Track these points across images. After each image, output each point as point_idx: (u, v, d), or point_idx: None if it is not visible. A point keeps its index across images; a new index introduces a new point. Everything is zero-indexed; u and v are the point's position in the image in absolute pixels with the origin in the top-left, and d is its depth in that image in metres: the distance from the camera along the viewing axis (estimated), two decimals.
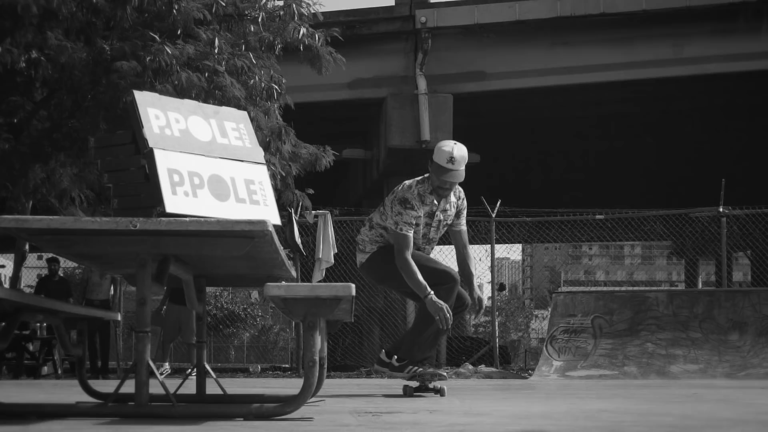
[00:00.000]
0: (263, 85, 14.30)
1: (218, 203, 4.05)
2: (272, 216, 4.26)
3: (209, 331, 41.55)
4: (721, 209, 16.79)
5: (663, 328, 15.40)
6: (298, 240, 16.86)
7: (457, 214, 7.61)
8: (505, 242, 25.61)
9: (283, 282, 4.49)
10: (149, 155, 3.96)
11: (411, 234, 7.15)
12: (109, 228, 3.83)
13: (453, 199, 7.50)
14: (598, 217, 18.11)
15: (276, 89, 14.48)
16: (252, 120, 14.24)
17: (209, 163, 4.14)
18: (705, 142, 25.91)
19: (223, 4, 14.33)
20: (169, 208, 3.90)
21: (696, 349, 15.13)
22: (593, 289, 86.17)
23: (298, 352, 17.87)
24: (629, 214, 18.68)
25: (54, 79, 14.32)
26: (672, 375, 14.73)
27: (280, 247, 4.38)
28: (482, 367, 16.44)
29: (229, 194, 4.12)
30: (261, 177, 4.33)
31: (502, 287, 34.21)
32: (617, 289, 20.52)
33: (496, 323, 18.64)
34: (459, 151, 7.25)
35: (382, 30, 21.53)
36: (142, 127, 4.08)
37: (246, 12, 14.73)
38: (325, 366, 5.43)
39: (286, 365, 28.98)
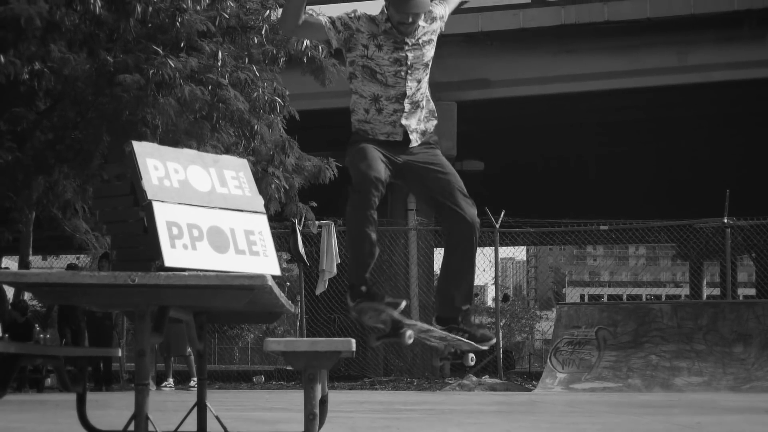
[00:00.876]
0: (267, 97, 14.27)
1: (217, 255, 4.03)
2: (272, 267, 4.24)
3: (213, 333, 41.56)
4: (725, 220, 16.75)
5: (667, 340, 15.39)
6: (301, 250, 16.85)
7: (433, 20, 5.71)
8: (509, 245, 25.61)
9: (283, 339, 4.47)
10: (148, 208, 3.94)
11: (323, 17, 5.60)
12: (108, 282, 3.82)
13: (422, 23, 5.59)
14: (602, 227, 18.08)
15: (279, 102, 14.45)
16: (255, 134, 14.39)
17: (208, 214, 4.13)
18: (709, 150, 25.85)
19: (227, 17, 14.30)
20: (168, 262, 3.88)
21: (700, 362, 15.11)
22: (597, 291, 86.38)
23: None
24: (633, 225, 18.66)
25: (57, 91, 14.30)
26: (676, 388, 14.71)
27: (280, 294, 4.36)
28: (486, 378, 16.40)
29: (229, 246, 4.10)
30: (261, 227, 4.31)
31: (506, 298, 34.26)
32: (621, 301, 20.52)
33: (500, 334, 18.58)
34: None
35: None
36: (141, 178, 4.05)
37: (249, 24, 14.69)
38: (327, 403, 5.41)
39: (290, 368, 28.99)
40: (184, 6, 13.67)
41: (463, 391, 15.50)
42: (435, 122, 5.86)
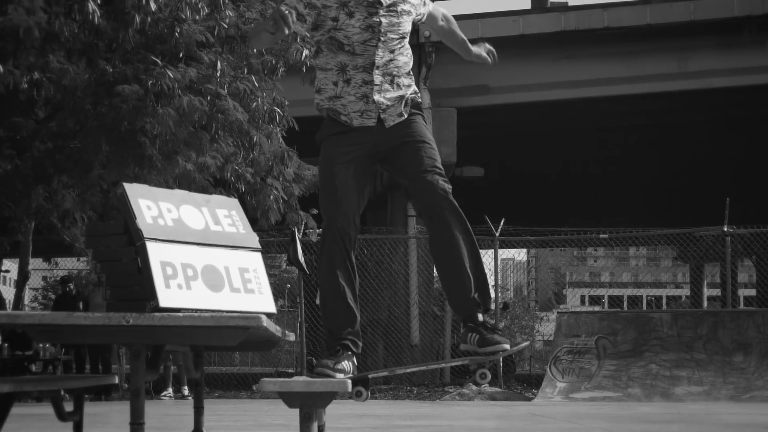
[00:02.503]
0: (266, 107, 14.26)
1: (212, 294, 4.02)
2: (267, 305, 4.23)
3: None
4: (725, 228, 16.74)
5: (667, 349, 15.38)
6: (301, 258, 16.76)
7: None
8: (510, 247, 25.60)
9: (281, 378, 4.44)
10: (142, 248, 3.92)
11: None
12: (102, 323, 3.80)
13: None
14: (602, 236, 18.07)
15: (279, 112, 14.43)
16: (254, 144, 14.38)
17: (203, 253, 4.11)
18: (709, 156, 25.84)
19: (225, 26, 14.27)
20: (163, 302, 3.86)
21: (700, 371, 15.09)
22: (598, 292, 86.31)
23: (302, 356, 17.82)
24: (633, 233, 18.65)
25: (57, 99, 14.29)
26: (676, 397, 14.70)
27: (276, 329, 4.34)
28: (486, 387, 16.37)
29: (224, 284, 4.08)
30: (255, 264, 4.29)
31: (506, 306, 34.19)
32: (621, 310, 20.39)
33: None
34: None
35: None
36: (135, 218, 4.02)
37: (248, 34, 14.65)
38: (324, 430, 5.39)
39: (291, 370, 28.96)
40: (183, 16, 13.65)
41: (462, 401, 15.48)
42: (414, 92, 5.12)
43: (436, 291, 22.58)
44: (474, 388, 16.19)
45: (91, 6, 13.21)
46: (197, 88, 13.66)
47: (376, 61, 4.98)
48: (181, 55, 13.88)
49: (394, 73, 5.04)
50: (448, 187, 4.93)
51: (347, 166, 4.96)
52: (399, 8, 5.07)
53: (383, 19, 4.98)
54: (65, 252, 22.27)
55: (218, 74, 13.77)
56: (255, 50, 14.56)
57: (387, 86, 5.01)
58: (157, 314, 3.81)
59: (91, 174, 14.69)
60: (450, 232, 4.91)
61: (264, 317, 3.82)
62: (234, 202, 4.59)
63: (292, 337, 5.22)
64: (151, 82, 13.16)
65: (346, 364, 4.73)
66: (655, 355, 15.39)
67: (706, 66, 20.65)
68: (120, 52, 14.03)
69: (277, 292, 60.26)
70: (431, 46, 20.79)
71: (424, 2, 5.32)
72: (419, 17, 5.32)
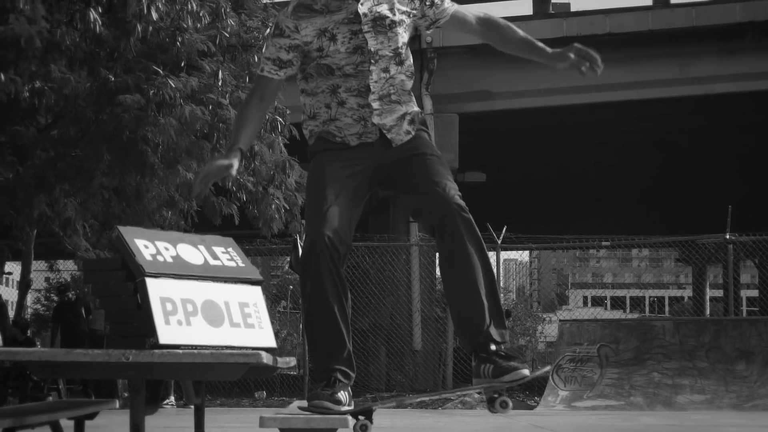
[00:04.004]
0: (267, 117, 14.24)
1: (212, 329, 4.01)
2: (267, 339, 4.22)
3: None
4: (727, 236, 16.73)
5: (669, 357, 15.36)
6: None
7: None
8: (512, 250, 25.58)
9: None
10: (141, 284, 3.91)
11: (270, 74, 4.56)
12: (101, 360, 3.79)
13: None
14: (604, 243, 18.07)
15: (280, 121, 14.43)
16: (256, 154, 14.37)
17: (203, 288, 4.10)
18: (711, 161, 25.82)
19: (227, 35, 14.27)
20: (163, 339, 3.85)
21: (703, 379, 15.08)
22: (601, 293, 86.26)
23: (304, 360, 17.80)
24: (635, 241, 18.65)
25: (58, 107, 14.28)
26: (678, 406, 14.68)
27: (276, 360, 4.33)
28: None
29: (224, 319, 4.07)
30: (255, 298, 4.28)
31: (507, 314, 34.22)
32: (623, 318, 20.45)
33: None
34: None
35: None
36: (135, 256, 4.02)
37: (250, 42, 14.66)
38: None
39: (294, 372, 28.93)
40: (185, 26, 13.65)
41: (465, 409, 15.47)
42: (417, 111, 4.66)
43: (439, 293, 22.57)
44: (476, 396, 16.16)
45: (93, 15, 13.23)
46: (199, 97, 13.67)
47: (371, 85, 4.49)
48: (182, 64, 13.88)
49: (392, 92, 4.54)
50: (463, 203, 4.37)
51: (341, 179, 4.48)
52: (387, 20, 4.50)
53: (369, 38, 4.46)
54: (68, 255, 22.31)
55: (220, 83, 13.78)
56: (256, 59, 14.55)
57: (386, 107, 4.53)
58: (156, 351, 3.80)
59: (92, 182, 14.68)
60: (465, 253, 4.32)
61: (264, 354, 3.81)
62: (229, 240, 4.57)
63: (293, 362, 5.20)
64: (152, 91, 13.17)
65: (342, 395, 4.20)
66: (657, 363, 15.36)
67: (709, 72, 20.63)
68: (121, 60, 14.02)
69: (280, 294, 60.23)
70: (433, 52, 20.79)
71: (432, 2, 4.68)
72: (426, 21, 4.72)
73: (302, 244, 14.22)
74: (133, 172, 14.26)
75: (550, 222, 29.81)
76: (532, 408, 15.40)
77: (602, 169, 27.23)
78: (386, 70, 4.51)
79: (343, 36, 4.45)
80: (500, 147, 24.71)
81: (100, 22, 13.31)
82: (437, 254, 4.67)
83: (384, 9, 4.51)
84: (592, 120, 22.97)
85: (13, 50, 13.34)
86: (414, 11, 4.64)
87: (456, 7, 4.77)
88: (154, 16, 13.32)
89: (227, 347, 4.01)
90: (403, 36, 4.55)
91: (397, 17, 4.53)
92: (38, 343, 17.62)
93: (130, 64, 13.98)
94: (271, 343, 4.22)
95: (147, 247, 4.10)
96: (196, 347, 3.92)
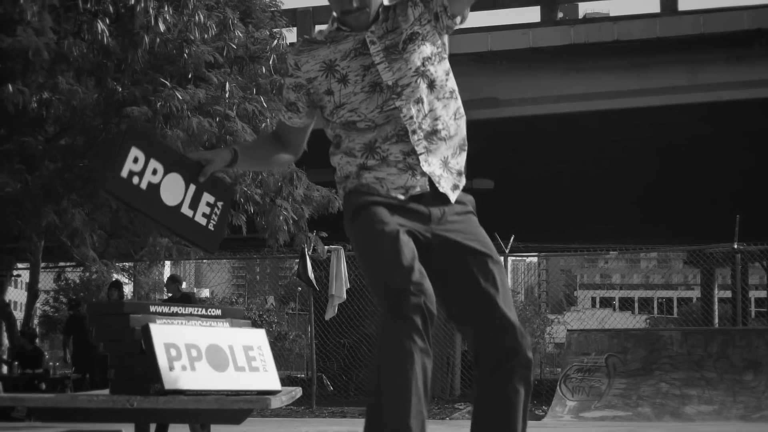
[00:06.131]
0: (274, 128, 14.24)
1: (217, 374, 4.01)
2: (272, 382, 4.23)
3: None
4: (735, 246, 16.72)
5: (677, 368, 15.33)
6: (311, 275, 16.84)
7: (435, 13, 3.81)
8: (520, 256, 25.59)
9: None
10: (145, 330, 3.91)
11: (285, 119, 3.99)
12: (107, 407, 3.80)
13: (399, 8, 3.81)
14: (611, 252, 18.05)
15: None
16: None
17: (207, 332, 4.10)
18: (720, 167, 25.76)
19: (234, 47, 14.30)
20: (167, 385, 3.85)
21: (710, 390, 15.05)
22: (609, 294, 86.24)
23: (312, 361, 17.79)
24: (643, 252, 18.62)
25: (66, 118, 14.31)
26: (686, 417, 14.65)
27: (282, 399, 4.34)
28: None
29: (228, 363, 4.07)
30: (260, 341, 4.29)
31: None
32: (631, 328, 20.42)
33: None
34: None
35: None
36: (112, 163, 3.63)
37: (257, 54, 14.67)
38: None
39: (302, 374, 28.97)
40: (192, 37, 13.67)
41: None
42: (465, 154, 3.92)
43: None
44: None
45: (101, 26, 13.27)
46: (206, 109, 13.69)
47: (408, 125, 3.72)
48: (189, 75, 13.92)
49: (433, 125, 3.76)
50: (531, 355, 3.57)
51: (401, 227, 3.59)
52: (402, 36, 3.76)
53: (383, 71, 3.73)
54: (77, 263, 22.35)
55: (227, 95, 13.79)
56: (264, 70, 14.58)
57: (434, 145, 3.75)
58: (161, 397, 3.81)
59: (100, 193, 14.70)
60: (513, 395, 3.57)
61: (270, 399, 3.82)
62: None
63: (299, 393, 5.20)
64: (159, 103, 13.19)
65: None
66: (665, 373, 15.34)
67: (716, 79, 20.57)
68: (129, 72, 14.05)
69: (288, 295, 60.21)
70: None
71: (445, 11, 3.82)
72: (450, 22, 3.83)
73: (310, 253, 14.11)
74: None
75: (559, 227, 29.78)
76: (540, 418, 15.39)
77: (609, 175, 27.16)
78: (419, 101, 3.74)
79: (356, 75, 3.76)
80: (508, 154, 24.67)
81: (107, 33, 13.35)
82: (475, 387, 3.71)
83: (396, 35, 3.76)
84: (600, 127, 22.93)
85: (21, 62, 13.40)
86: (432, 21, 3.81)
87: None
88: (162, 27, 13.37)
89: (232, 392, 4.01)
90: (422, 50, 3.76)
91: (416, 27, 3.77)
92: (46, 354, 17.60)
93: (137, 76, 14.01)
94: (276, 386, 4.22)
95: (136, 160, 3.66)
96: (201, 392, 3.93)
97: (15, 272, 23.77)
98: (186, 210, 3.78)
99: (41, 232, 15.27)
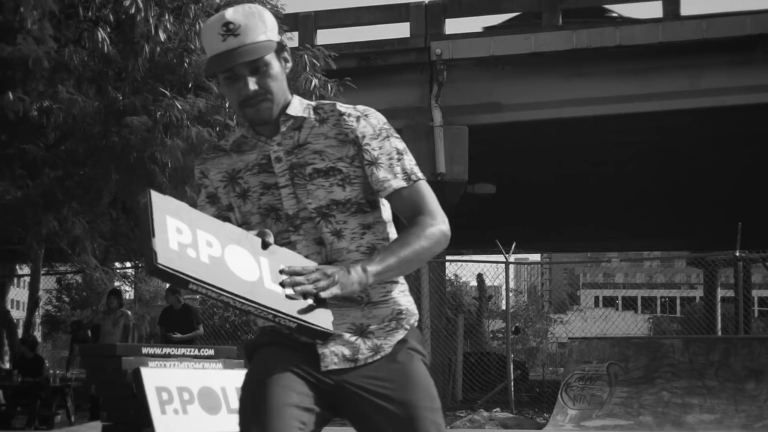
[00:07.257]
0: None
1: (209, 417, 3.99)
2: None
3: (227, 339, 41.57)
4: (737, 253, 16.67)
5: (679, 376, 15.29)
6: None
7: (361, 156, 3.11)
8: (521, 264, 25.54)
9: None
10: (136, 374, 3.88)
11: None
12: None
13: (324, 128, 3.12)
14: (613, 259, 18.00)
15: None
16: None
17: (199, 375, 4.07)
18: (720, 172, 25.73)
19: None
20: (159, 430, 3.82)
21: (712, 398, 15.00)
22: (612, 293, 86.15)
23: None
24: (644, 258, 18.56)
25: (66, 125, 14.27)
26: (688, 426, 14.62)
27: None
28: (497, 413, 16.32)
29: (221, 406, 4.05)
30: None
31: (517, 330, 34.19)
32: (632, 336, 20.31)
33: (512, 367, 18.42)
34: (240, 12, 3.02)
35: (397, 62, 21.34)
36: (153, 235, 2.72)
37: None
38: None
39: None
40: (192, 47, 13.63)
41: (473, 428, 15.42)
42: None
43: (449, 294, 22.46)
44: (485, 414, 16.15)
45: (101, 34, 13.21)
46: (206, 118, 13.64)
47: (287, 209, 3.17)
48: (190, 85, 13.86)
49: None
50: None
51: (288, 365, 3.19)
52: (309, 168, 3.12)
53: (285, 195, 3.16)
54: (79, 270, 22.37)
55: (227, 105, 13.73)
56: None
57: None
58: None
59: (101, 202, 14.68)
60: None
61: None
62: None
63: None
64: (159, 113, 13.14)
65: None
66: (666, 382, 15.30)
67: (719, 84, 20.52)
68: (129, 80, 14.01)
69: None
70: (443, 64, 20.70)
71: (378, 158, 3.12)
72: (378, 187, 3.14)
73: None
74: (141, 191, 14.21)
75: (561, 230, 29.75)
76: (541, 426, 15.36)
77: (612, 179, 27.16)
78: (319, 242, 3.11)
79: (254, 192, 3.18)
80: (510, 158, 24.65)
81: (108, 41, 13.30)
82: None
83: (307, 153, 3.13)
84: (602, 132, 22.89)
85: (21, 70, 13.35)
86: (353, 160, 3.14)
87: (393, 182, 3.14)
88: (162, 37, 13.30)
89: None
90: (334, 192, 3.12)
91: (326, 164, 3.12)
92: (47, 363, 17.57)
93: (138, 84, 13.96)
94: None
95: (180, 231, 2.77)
96: None
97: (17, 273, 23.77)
98: (271, 285, 2.82)
99: (42, 239, 15.23)
